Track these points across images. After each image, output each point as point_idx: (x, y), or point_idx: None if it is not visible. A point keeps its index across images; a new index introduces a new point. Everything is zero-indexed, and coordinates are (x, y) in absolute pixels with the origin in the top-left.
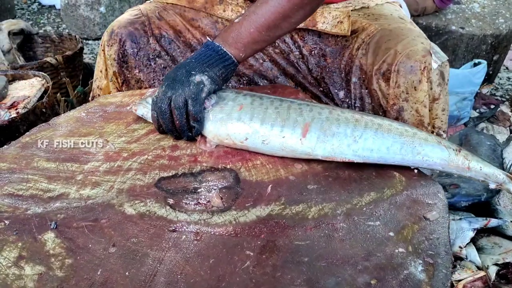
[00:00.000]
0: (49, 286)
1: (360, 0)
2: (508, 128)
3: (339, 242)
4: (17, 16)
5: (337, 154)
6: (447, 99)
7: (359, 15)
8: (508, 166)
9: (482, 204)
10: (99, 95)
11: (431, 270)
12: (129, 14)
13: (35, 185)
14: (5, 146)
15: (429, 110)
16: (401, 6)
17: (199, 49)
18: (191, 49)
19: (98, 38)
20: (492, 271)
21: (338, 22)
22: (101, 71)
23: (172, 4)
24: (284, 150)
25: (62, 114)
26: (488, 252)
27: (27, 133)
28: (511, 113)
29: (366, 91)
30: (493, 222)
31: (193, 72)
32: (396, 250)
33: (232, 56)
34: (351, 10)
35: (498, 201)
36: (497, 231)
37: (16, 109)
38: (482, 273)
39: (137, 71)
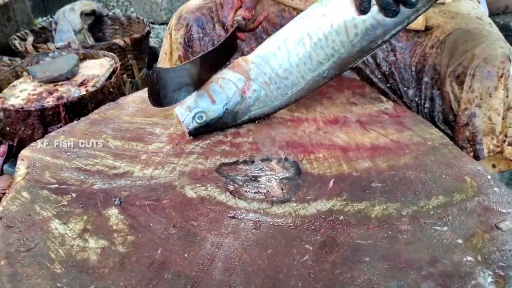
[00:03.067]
0: (111, 260)
1: None
2: None
3: (404, 244)
4: None
5: None
6: None
7: (434, 11)
8: None
9: None
10: None
11: (502, 283)
12: None
13: (101, 161)
14: (75, 121)
15: (503, 118)
16: (479, 2)
17: None
18: (255, 37)
19: (164, 23)
20: None
21: None
22: (165, 54)
23: None
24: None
25: (130, 94)
26: None
27: (96, 110)
28: None
29: (438, 92)
30: None
31: None
32: (464, 259)
33: None
34: None
35: None
36: None
37: (85, 87)
38: None
39: None
